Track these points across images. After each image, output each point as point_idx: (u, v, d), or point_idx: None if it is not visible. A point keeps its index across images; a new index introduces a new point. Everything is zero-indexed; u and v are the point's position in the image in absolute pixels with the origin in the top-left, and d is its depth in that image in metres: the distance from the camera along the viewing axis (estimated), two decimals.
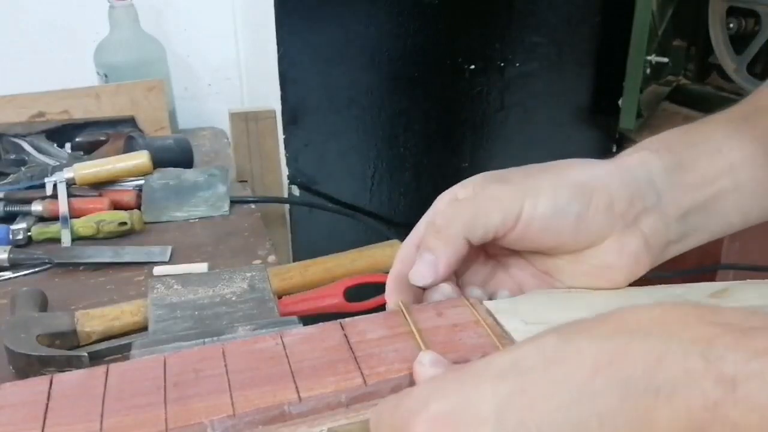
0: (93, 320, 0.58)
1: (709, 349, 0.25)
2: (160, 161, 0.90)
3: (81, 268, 0.74)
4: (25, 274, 0.73)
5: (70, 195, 0.82)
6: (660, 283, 0.44)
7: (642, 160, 0.41)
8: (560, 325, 0.30)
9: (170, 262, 0.75)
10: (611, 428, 0.26)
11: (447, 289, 0.41)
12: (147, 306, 0.57)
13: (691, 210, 0.42)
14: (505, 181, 0.40)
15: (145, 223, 0.84)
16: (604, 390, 0.26)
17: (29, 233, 0.79)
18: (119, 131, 1.02)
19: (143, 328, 0.58)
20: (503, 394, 0.28)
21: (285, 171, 1.33)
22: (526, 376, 0.28)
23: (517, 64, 1.44)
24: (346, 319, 0.41)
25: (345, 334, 0.40)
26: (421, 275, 0.40)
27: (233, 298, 0.55)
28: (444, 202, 0.43)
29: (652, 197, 0.40)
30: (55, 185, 0.82)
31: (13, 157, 0.97)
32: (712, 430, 0.24)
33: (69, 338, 0.57)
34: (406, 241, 0.43)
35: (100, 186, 0.86)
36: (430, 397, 0.30)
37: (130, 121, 1.05)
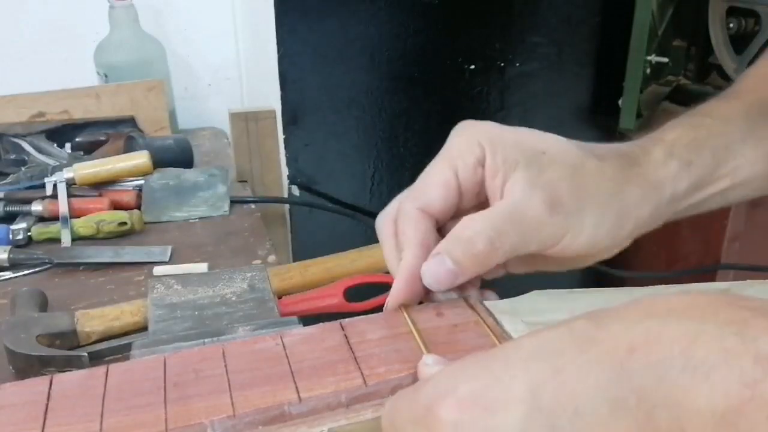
0: (93, 320, 0.58)
1: (743, 330, 0.25)
2: (160, 161, 0.90)
3: (81, 268, 0.74)
4: (25, 274, 0.73)
5: (70, 195, 0.82)
6: (660, 284, 0.44)
7: (674, 177, 0.42)
8: (587, 311, 0.30)
9: (170, 262, 0.75)
10: (649, 407, 0.26)
11: (452, 293, 0.41)
12: (147, 306, 0.57)
13: (686, 208, 0.44)
14: (553, 202, 0.38)
15: (145, 223, 0.84)
16: (640, 370, 0.26)
17: (29, 233, 0.79)
18: (119, 131, 1.02)
19: (143, 328, 0.58)
20: (537, 375, 0.28)
21: (285, 171, 1.33)
22: (561, 357, 0.28)
23: (517, 64, 1.44)
24: (346, 320, 0.41)
25: (345, 335, 0.40)
26: (438, 282, 0.39)
27: (233, 298, 0.55)
28: (468, 165, 0.39)
29: (665, 212, 0.42)
30: (55, 185, 0.82)
31: (13, 157, 0.97)
32: (750, 408, 0.24)
33: (69, 338, 0.57)
34: (409, 210, 0.40)
35: (100, 186, 0.86)
36: (456, 380, 0.29)
37: (130, 121, 1.05)
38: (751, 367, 0.24)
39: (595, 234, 0.39)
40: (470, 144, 0.40)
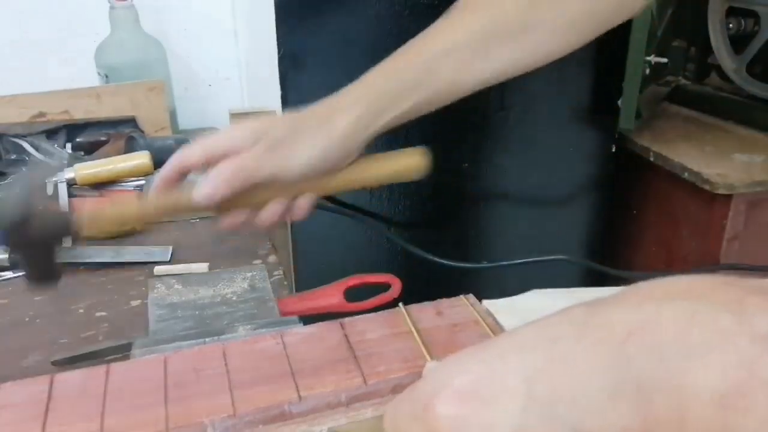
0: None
1: (740, 310, 0.25)
2: (160, 161, 0.90)
3: (81, 268, 0.74)
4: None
5: (70, 195, 0.82)
6: None
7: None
8: (587, 300, 0.30)
9: (171, 262, 0.75)
10: (648, 393, 0.25)
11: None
12: (147, 306, 0.57)
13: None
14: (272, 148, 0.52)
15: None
16: (637, 355, 0.26)
17: None
18: (120, 131, 1.02)
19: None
20: (532, 365, 0.28)
21: None
22: (556, 346, 0.28)
23: None
24: (346, 319, 0.41)
25: (345, 334, 0.40)
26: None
27: (234, 298, 0.55)
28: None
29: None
30: (55, 185, 0.82)
31: (13, 157, 0.98)
32: (748, 387, 0.23)
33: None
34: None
35: (100, 186, 0.86)
36: (452, 374, 0.29)
37: (131, 122, 1.05)
38: (747, 347, 0.24)
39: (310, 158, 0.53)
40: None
